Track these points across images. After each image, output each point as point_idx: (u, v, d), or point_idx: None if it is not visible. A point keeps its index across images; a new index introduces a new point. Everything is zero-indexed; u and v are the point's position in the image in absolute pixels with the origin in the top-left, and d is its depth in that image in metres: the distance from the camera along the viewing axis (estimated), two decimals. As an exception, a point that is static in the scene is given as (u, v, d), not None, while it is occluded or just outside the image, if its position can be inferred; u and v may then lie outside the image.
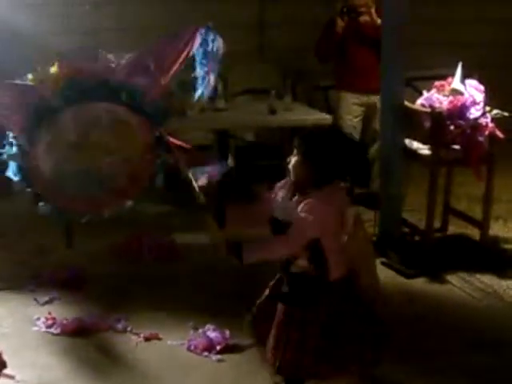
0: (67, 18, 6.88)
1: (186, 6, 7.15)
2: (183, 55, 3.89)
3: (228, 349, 3.98)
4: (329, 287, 3.11)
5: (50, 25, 6.63)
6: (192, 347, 4.02)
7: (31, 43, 6.08)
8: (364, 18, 6.12)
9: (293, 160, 3.10)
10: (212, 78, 3.97)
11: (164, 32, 4.96)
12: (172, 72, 3.97)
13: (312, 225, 2.98)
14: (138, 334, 4.16)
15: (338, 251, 3.10)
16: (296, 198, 3.07)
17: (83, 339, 4.14)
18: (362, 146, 3.35)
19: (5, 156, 3.77)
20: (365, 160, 3.23)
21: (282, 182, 3.23)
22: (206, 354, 3.96)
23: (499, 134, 5.00)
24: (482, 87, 5.08)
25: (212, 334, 4.07)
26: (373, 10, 6.00)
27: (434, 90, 5.20)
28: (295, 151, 3.11)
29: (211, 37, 3.95)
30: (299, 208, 2.99)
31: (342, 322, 3.11)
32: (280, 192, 3.19)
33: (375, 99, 5.59)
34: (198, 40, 3.87)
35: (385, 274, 4.73)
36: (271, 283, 3.32)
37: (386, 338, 3.28)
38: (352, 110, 6.34)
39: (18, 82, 3.95)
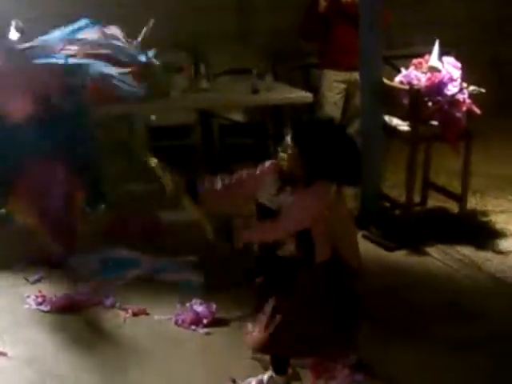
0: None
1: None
2: None
3: (215, 322, 3.99)
4: (313, 270, 3.11)
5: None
6: (180, 321, 4.02)
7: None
8: (345, -2, 6.14)
9: (288, 151, 2.99)
10: None
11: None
12: None
13: (306, 217, 2.99)
14: (125, 310, 4.16)
15: (324, 237, 3.10)
16: (288, 189, 3.02)
17: (73, 315, 4.14)
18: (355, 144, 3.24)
19: None
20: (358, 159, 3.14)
21: (268, 165, 3.14)
22: (193, 327, 3.97)
23: (476, 109, 5.02)
24: (458, 64, 5.09)
25: (199, 308, 4.08)
26: (354, -11, 6.01)
27: (412, 68, 5.21)
28: (290, 142, 2.98)
29: None
30: (293, 200, 2.98)
31: (320, 304, 3.12)
32: (267, 177, 3.10)
33: (357, 76, 5.59)
34: None
35: (366, 247, 4.75)
36: None
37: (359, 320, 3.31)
38: (334, 87, 6.37)
39: None
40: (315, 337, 3.12)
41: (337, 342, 3.23)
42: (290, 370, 3.38)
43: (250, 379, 3.36)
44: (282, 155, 3.01)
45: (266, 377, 3.34)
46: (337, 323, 3.15)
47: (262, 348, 3.21)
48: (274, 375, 3.32)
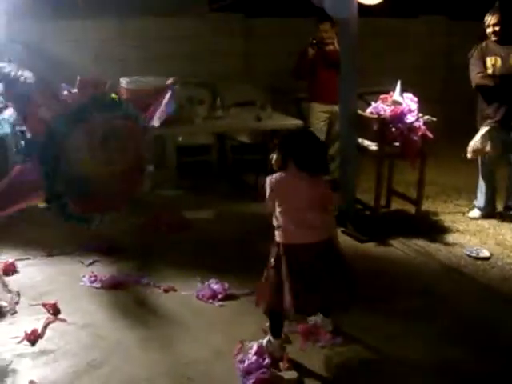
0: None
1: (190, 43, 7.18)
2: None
3: (227, 297, 3.99)
4: (286, 248, 3.17)
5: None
6: (200, 296, 4.02)
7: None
8: (329, 48, 6.14)
9: (274, 156, 3.23)
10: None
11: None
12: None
13: (267, 191, 3.19)
14: (158, 287, 4.16)
15: (290, 219, 3.16)
16: None
17: (118, 291, 4.14)
18: (321, 142, 3.40)
19: None
20: (322, 151, 3.32)
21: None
22: (210, 301, 3.97)
23: (429, 134, 5.01)
24: (415, 99, 5.09)
25: (215, 286, 4.08)
26: (335, 41, 6.01)
27: (379, 102, 5.21)
28: (276, 149, 3.23)
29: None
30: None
31: (313, 269, 3.15)
32: None
33: (337, 108, 5.58)
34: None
35: (344, 240, 4.76)
36: None
37: (356, 285, 3.33)
38: (319, 116, 6.35)
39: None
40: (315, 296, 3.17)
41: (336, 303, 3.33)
42: (283, 336, 3.38)
43: (252, 343, 3.35)
44: (272, 157, 3.25)
45: (265, 340, 3.33)
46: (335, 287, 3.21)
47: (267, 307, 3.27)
48: (271, 339, 3.31)
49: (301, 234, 3.16)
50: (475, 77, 5.18)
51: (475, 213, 5.56)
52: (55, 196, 3.95)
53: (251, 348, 3.30)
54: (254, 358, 3.21)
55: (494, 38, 5.14)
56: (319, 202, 3.20)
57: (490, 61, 5.14)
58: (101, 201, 4.21)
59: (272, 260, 3.22)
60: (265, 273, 3.26)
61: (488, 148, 5.21)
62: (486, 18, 5.16)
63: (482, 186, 5.50)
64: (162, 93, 4.69)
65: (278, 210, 3.20)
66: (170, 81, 4.77)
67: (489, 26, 5.14)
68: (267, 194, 3.21)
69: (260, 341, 3.34)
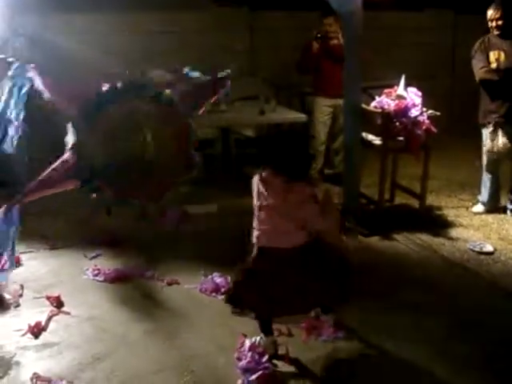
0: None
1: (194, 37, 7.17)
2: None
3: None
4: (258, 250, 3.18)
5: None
6: (203, 289, 4.03)
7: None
8: (333, 42, 6.12)
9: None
10: None
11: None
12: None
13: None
14: (162, 280, 4.17)
15: (262, 221, 3.16)
16: None
17: (121, 284, 4.15)
18: (302, 148, 3.31)
19: None
20: (300, 157, 3.20)
21: None
22: (213, 294, 3.98)
23: (433, 128, 5.00)
24: (419, 93, 5.08)
25: (218, 280, 4.09)
26: (340, 35, 5.99)
27: (383, 96, 5.19)
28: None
29: None
30: None
31: (279, 275, 3.12)
32: None
33: (341, 102, 5.57)
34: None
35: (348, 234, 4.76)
36: None
37: (351, 279, 3.30)
38: (323, 110, 6.34)
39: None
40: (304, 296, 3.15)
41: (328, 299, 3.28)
42: (275, 333, 3.37)
43: (251, 338, 3.34)
44: None
45: (258, 338, 3.32)
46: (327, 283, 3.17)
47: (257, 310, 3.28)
48: (262, 336, 3.30)
49: (274, 237, 3.14)
50: (479, 71, 5.16)
51: (479, 207, 5.55)
52: (87, 180, 3.91)
53: (245, 345, 3.30)
54: (249, 354, 3.20)
55: (496, 33, 5.12)
56: (295, 210, 3.11)
57: (493, 55, 5.12)
58: (136, 188, 4.16)
59: (249, 259, 3.22)
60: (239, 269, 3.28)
61: (499, 144, 5.19)
62: (488, 12, 5.14)
63: (485, 180, 5.48)
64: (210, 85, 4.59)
65: (255, 209, 3.19)
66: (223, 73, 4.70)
67: (491, 20, 5.12)
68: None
69: (254, 338, 3.33)
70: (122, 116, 3.99)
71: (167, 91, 4.12)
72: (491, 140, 5.23)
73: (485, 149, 5.31)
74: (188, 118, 4.14)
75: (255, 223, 3.21)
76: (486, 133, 5.27)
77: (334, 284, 3.21)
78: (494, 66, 5.11)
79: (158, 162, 4.05)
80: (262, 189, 3.13)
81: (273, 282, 3.11)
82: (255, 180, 3.17)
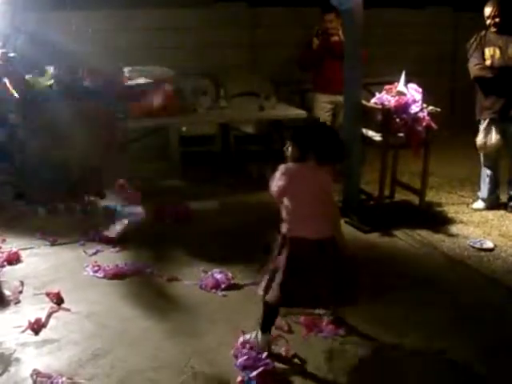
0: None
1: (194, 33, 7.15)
2: None
3: (230, 287, 3.99)
4: (290, 241, 3.11)
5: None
6: (203, 286, 4.01)
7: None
8: (334, 38, 6.11)
9: (289, 148, 3.14)
10: None
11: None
12: None
13: (273, 181, 3.10)
14: (162, 277, 4.16)
15: (298, 213, 3.10)
16: None
17: (121, 281, 4.13)
18: (338, 134, 3.31)
19: None
20: (338, 142, 3.19)
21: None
22: (213, 291, 3.96)
23: (433, 124, 5.00)
24: (420, 89, 5.07)
25: (218, 276, 4.06)
26: (340, 32, 5.98)
27: (384, 92, 5.19)
28: (289, 141, 3.15)
29: None
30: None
31: (307, 266, 3.08)
32: None
33: (341, 98, 5.56)
34: None
35: (347, 231, 4.72)
36: None
37: (356, 281, 3.28)
38: (323, 107, 6.34)
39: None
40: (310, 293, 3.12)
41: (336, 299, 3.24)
42: (271, 335, 3.32)
43: (241, 337, 3.31)
44: (286, 150, 3.15)
45: (253, 335, 3.28)
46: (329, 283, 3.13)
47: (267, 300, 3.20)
48: (259, 333, 3.26)
49: (305, 228, 3.10)
50: (473, 68, 5.15)
51: (479, 204, 5.54)
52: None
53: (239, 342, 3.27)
54: (245, 351, 3.17)
55: (493, 29, 5.10)
56: (326, 196, 3.14)
57: (488, 52, 5.11)
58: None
59: (276, 249, 3.19)
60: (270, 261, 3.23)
61: (492, 141, 5.20)
62: (485, 9, 5.12)
63: (484, 176, 5.48)
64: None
65: (286, 201, 3.13)
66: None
67: (488, 17, 5.10)
68: (276, 182, 3.10)
69: (248, 335, 3.31)
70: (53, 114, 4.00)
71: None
72: (484, 136, 5.24)
73: (477, 144, 5.30)
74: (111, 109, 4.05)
75: (284, 213, 3.15)
76: (480, 128, 5.28)
77: (345, 285, 3.19)
78: (488, 62, 5.10)
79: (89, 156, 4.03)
80: (298, 180, 3.08)
81: (308, 272, 3.09)
82: (289, 171, 3.08)
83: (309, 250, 3.10)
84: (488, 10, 5.10)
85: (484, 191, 5.50)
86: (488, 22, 5.11)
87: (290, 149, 3.13)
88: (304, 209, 3.11)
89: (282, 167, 3.10)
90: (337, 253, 3.16)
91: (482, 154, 5.40)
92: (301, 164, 3.09)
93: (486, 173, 5.45)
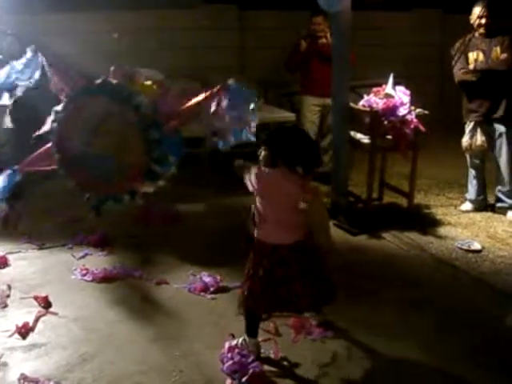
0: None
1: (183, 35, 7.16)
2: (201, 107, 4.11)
3: (219, 290, 3.99)
4: (258, 244, 3.13)
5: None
6: (192, 289, 4.02)
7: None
8: (321, 41, 6.13)
9: (262, 152, 3.09)
10: (249, 123, 4.03)
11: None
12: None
13: (247, 181, 3.08)
14: (150, 280, 4.16)
15: (266, 217, 3.09)
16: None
17: (109, 284, 4.13)
18: (312, 139, 3.30)
19: None
20: (314, 149, 3.18)
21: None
22: (202, 294, 3.96)
23: (421, 127, 5.02)
24: (408, 92, 5.09)
25: (207, 279, 4.07)
26: (328, 35, 6.00)
27: (372, 95, 5.21)
28: (263, 145, 3.10)
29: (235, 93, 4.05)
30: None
31: (286, 269, 3.08)
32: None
33: (329, 101, 5.58)
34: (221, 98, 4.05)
35: (336, 233, 4.77)
36: None
37: (332, 287, 3.27)
38: (311, 109, 6.35)
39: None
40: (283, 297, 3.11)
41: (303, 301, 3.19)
42: (263, 333, 3.34)
43: (226, 342, 3.29)
44: (260, 153, 3.11)
45: (240, 339, 3.28)
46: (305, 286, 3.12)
47: (245, 304, 3.20)
48: (246, 338, 3.26)
49: (277, 234, 3.09)
50: (457, 73, 5.19)
51: (467, 206, 5.57)
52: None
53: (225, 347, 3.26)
54: (230, 355, 3.17)
55: (481, 31, 5.12)
56: (296, 202, 3.06)
57: (472, 56, 5.15)
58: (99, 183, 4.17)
59: (250, 255, 3.18)
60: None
61: (477, 142, 5.24)
62: (474, 9, 5.14)
63: (471, 178, 5.51)
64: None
65: (257, 202, 3.12)
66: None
67: (478, 17, 5.10)
68: (250, 185, 3.07)
69: (235, 340, 3.30)
70: (92, 111, 4.03)
71: (142, 97, 4.08)
72: (470, 137, 5.28)
73: (463, 145, 5.33)
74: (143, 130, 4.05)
75: (256, 218, 3.14)
76: (466, 130, 5.31)
77: (321, 285, 3.19)
78: (471, 66, 5.15)
79: (117, 162, 4.06)
80: (269, 186, 3.05)
81: (280, 281, 3.08)
82: (260, 176, 3.03)
83: (277, 254, 3.09)
84: (477, 10, 5.11)
85: (471, 193, 5.53)
86: (476, 22, 5.11)
87: (262, 153, 3.08)
88: (273, 214, 3.08)
89: (254, 169, 3.05)
90: (308, 255, 3.14)
91: (468, 156, 5.44)
92: (272, 170, 3.04)
93: (472, 174, 5.49)
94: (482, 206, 5.52)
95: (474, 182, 5.49)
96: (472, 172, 5.49)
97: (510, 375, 3.15)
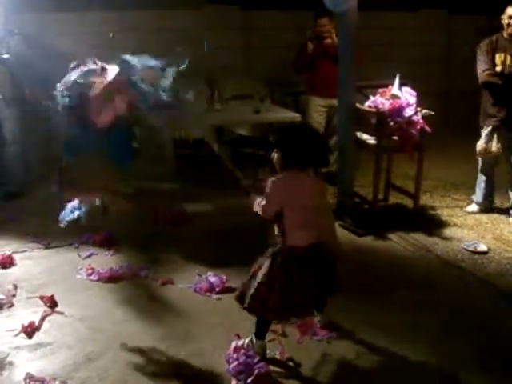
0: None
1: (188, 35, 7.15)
2: None
3: (224, 290, 3.99)
4: (288, 251, 3.08)
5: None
6: (197, 289, 4.02)
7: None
8: (327, 41, 6.11)
9: (275, 155, 3.09)
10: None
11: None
12: None
13: (267, 197, 3.03)
14: (156, 280, 4.16)
15: (296, 221, 3.05)
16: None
17: (115, 284, 4.14)
18: (322, 138, 3.29)
19: None
20: (324, 148, 3.17)
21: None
22: (208, 294, 3.97)
23: (427, 128, 5.01)
24: (414, 93, 5.08)
25: (212, 279, 4.08)
26: (334, 35, 5.99)
27: (378, 95, 5.20)
28: (275, 148, 3.10)
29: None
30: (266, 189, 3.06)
31: (298, 277, 3.06)
32: None
33: (335, 102, 5.57)
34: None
35: (342, 234, 4.76)
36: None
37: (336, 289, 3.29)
38: (318, 109, 6.34)
39: None
40: (299, 303, 3.10)
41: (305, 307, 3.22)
42: (269, 334, 3.33)
43: (232, 343, 3.29)
44: (272, 156, 3.10)
45: (247, 340, 3.28)
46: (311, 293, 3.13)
47: (254, 310, 3.19)
48: (253, 339, 3.26)
49: (303, 235, 3.08)
50: (482, 74, 5.10)
51: (473, 207, 5.55)
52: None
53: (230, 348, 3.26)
54: (236, 356, 3.17)
55: (509, 31, 5.01)
56: (317, 200, 3.11)
57: (499, 57, 5.06)
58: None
59: (267, 264, 3.13)
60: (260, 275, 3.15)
61: (493, 148, 5.18)
62: (507, 9, 4.99)
63: (480, 181, 5.48)
64: None
65: (284, 215, 3.07)
66: None
67: (507, 18, 4.99)
68: (268, 200, 3.05)
69: (242, 340, 3.30)
70: None
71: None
72: (485, 142, 5.22)
73: (477, 149, 5.29)
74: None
75: (279, 229, 3.11)
76: (482, 134, 5.26)
77: (326, 282, 3.21)
78: (498, 69, 5.05)
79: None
80: (288, 191, 3.03)
81: (295, 285, 3.07)
82: (278, 185, 3.02)
83: (306, 256, 3.08)
84: (508, 11, 4.99)
85: (479, 196, 5.51)
86: (506, 21, 5.00)
87: (275, 156, 3.08)
88: (298, 217, 3.06)
89: (270, 183, 3.04)
90: (322, 255, 3.15)
91: (479, 160, 5.40)
92: (286, 172, 3.05)
93: (482, 178, 5.46)
94: (488, 207, 5.51)
95: (483, 185, 5.45)
96: (482, 177, 5.45)
97: (516, 377, 3.14)
